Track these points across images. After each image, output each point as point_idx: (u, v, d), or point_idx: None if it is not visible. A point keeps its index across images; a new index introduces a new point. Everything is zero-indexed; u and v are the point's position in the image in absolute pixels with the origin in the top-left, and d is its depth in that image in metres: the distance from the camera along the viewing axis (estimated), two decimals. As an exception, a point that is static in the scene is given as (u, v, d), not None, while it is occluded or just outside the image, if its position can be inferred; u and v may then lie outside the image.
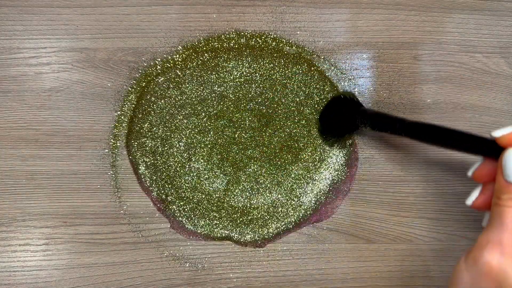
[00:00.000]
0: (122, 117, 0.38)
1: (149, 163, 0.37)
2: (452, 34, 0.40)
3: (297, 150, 0.38)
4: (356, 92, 0.39)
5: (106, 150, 0.37)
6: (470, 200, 0.27)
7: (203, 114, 0.38)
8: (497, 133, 0.25)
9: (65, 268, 0.36)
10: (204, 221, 0.38)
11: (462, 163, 0.39)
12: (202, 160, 0.38)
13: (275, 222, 0.38)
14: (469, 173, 0.28)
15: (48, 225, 0.36)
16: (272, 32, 0.39)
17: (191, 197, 0.38)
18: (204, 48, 0.39)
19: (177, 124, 0.38)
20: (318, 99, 0.39)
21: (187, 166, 0.38)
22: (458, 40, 0.40)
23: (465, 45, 0.40)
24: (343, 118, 0.37)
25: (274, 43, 0.39)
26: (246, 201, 0.38)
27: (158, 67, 0.38)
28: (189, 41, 0.39)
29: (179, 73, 0.38)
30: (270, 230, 0.38)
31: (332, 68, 0.39)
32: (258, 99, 0.38)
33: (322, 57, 0.39)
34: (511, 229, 0.23)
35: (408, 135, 0.31)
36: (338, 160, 0.39)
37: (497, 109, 0.40)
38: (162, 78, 0.38)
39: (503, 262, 0.22)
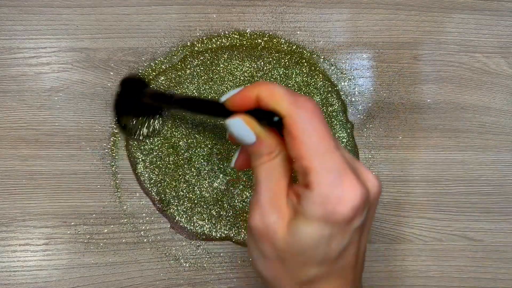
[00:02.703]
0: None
1: (148, 163, 0.37)
2: (452, 34, 0.40)
3: (297, 150, 0.38)
4: (356, 92, 0.39)
5: (106, 150, 0.37)
6: (232, 163, 0.27)
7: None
8: (222, 98, 0.25)
9: (65, 268, 0.36)
10: (204, 221, 0.38)
11: (462, 163, 0.39)
12: (202, 160, 0.38)
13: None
14: (232, 164, 0.27)
15: (48, 225, 0.36)
16: (272, 32, 0.39)
17: (190, 197, 0.38)
18: (204, 48, 0.39)
19: (177, 124, 0.38)
20: (318, 99, 0.39)
21: (187, 166, 0.38)
22: (458, 40, 0.40)
23: (465, 45, 0.40)
24: (130, 101, 0.37)
25: (274, 43, 0.39)
26: (246, 201, 0.38)
27: (158, 66, 0.38)
28: (189, 41, 0.39)
29: (179, 73, 0.38)
30: (270, 230, 0.38)
31: (332, 68, 0.39)
32: (258, 99, 0.38)
33: (322, 57, 0.39)
34: (265, 187, 0.23)
35: (176, 107, 0.35)
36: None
37: (497, 109, 0.40)
38: (162, 78, 0.38)
39: (265, 221, 0.22)
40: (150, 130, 0.37)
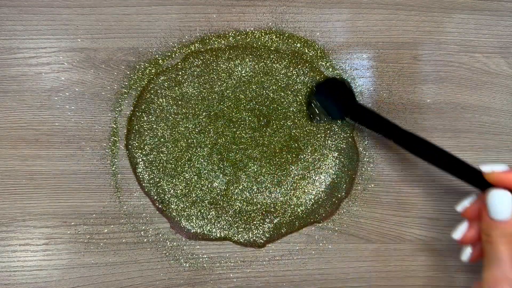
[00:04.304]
0: (122, 117, 0.38)
1: (148, 163, 0.37)
2: (452, 34, 0.40)
3: (297, 150, 0.38)
4: (356, 92, 0.39)
5: (106, 150, 0.37)
6: (457, 235, 0.28)
7: (203, 114, 0.38)
8: (486, 168, 0.25)
9: (65, 268, 0.36)
10: (204, 221, 0.38)
11: (462, 163, 0.39)
12: (202, 160, 0.38)
13: (275, 222, 0.38)
14: (459, 208, 0.28)
15: (48, 225, 0.36)
16: (273, 32, 0.39)
17: (190, 197, 0.38)
18: (204, 48, 0.39)
19: (177, 124, 0.38)
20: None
21: (187, 166, 0.38)
22: (458, 40, 0.40)
23: (465, 45, 0.40)
24: (337, 102, 0.37)
25: (274, 43, 0.39)
26: (245, 201, 0.38)
27: (158, 66, 0.38)
28: (189, 41, 0.39)
29: (179, 73, 0.38)
30: (270, 230, 0.38)
31: (332, 68, 0.39)
32: (258, 99, 0.39)
33: (322, 57, 0.39)
34: (510, 263, 0.23)
35: (400, 143, 0.31)
36: (338, 160, 0.39)
37: (497, 109, 0.40)
38: (163, 78, 0.38)
39: None
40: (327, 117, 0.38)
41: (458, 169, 0.28)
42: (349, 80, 0.39)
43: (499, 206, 0.23)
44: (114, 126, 0.38)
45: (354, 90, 0.39)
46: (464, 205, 0.28)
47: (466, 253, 0.28)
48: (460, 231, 0.28)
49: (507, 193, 0.23)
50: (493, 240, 0.24)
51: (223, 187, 0.38)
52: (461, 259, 0.29)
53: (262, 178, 0.38)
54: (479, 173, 0.25)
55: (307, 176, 0.38)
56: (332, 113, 0.38)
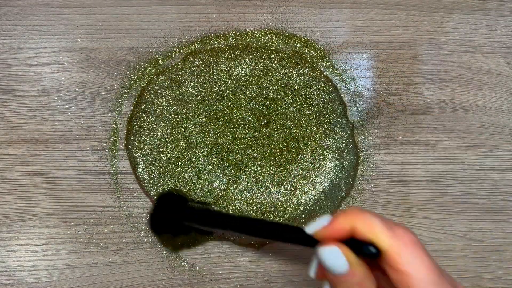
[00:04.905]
0: (122, 117, 0.38)
1: (148, 163, 0.37)
2: (452, 34, 0.40)
3: (297, 150, 0.38)
4: (356, 92, 0.39)
5: (106, 150, 0.37)
6: (311, 273, 0.25)
7: (203, 114, 0.38)
8: (309, 229, 0.24)
9: (65, 268, 0.36)
10: (204, 221, 0.37)
11: (462, 163, 0.39)
12: (202, 160, 0.38)
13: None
14: (311, 274, 0.26)
15: (48, 225, 0.36)
16: (273, 32, 0.39)
17: (190, 197, 0.38)
18: (205, 48, 0.39)
19: (177, 124, 0.38)
20: (318, 99, 0.39)
21: (187, 166, 0.38)
22: (458, 40, 0.40)
23: (465, 45, 0.40)
24: (172, 216, 0.33)
25: (274, 43, 0.39)
26: (245, 201, 0.38)
27: (158, 66, 0.38)
28: (189, 41, 0.39)
29: (180, 73, 0.38)
30: (270, 230, 0.38)
31: (332, 68, 0.39)
32: (258, 99, 0.38)
33: (322, 57, 0.39)
34: None
35: (234, 229, 0.29)
36: (338, 160, 0.39)
37: (497, 109, 0.40)
38: (163, 78, 0.38)
39: None
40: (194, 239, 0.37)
41: (284, 235, 0.26)
42: (349, 90, 0.39)
43: (332, 262, 0.22)
44: (114, 126, 0.38)
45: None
46: (313, 268, 0.25)
47: (311, 268, 0.25)
48: (311, 269, 0.25)
49: (333, 248, 0.22)
50: None
51: (223, 187, 0.38)
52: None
53: (262, 178, 0.38)
54: (304, 232, 0.24)
55: (307, 176, 0.38)
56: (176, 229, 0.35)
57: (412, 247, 0.21)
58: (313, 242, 0.23)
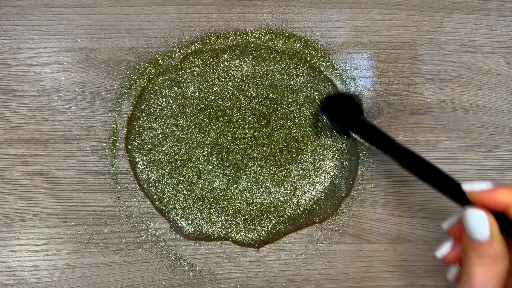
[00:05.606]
0: (122, 117, 0.38)
1: (148, 163, 0.37)
2: (452, 34, 0.40)
3: (297, 150, 0.38)
4: (356, 92, 0.39)
5: (106, 150, 0.37)
6: (440, 253, 0.27)
7: (203, 114, 0.38)
8: (467, 187, 0.24)
9: (65, 268, 0.36)
10: (203, 221, 0.38)
11: (462, 163, 0.39)
12: (202, 160, 0.38)
13: (275, 222, 0.38)
14: (444, 226, 0.27)
15: (48, 225, 0.36)
16: (273, 32, 0.39)
17: (190, 197, 0.38)
18: (205, 48, 0.39)
19: (177, 124, 0.38)
20: (318, 99, 0.39)
21: (187, 166, 0.38)
22: (458, 40, 0.40)
23: (465, 45, 0.40)
24: (343, 118, 0.37)
25: (274, 43, 0.39)
26: (245, 201, 0.38)
27: (158, 66, 0.38)
28: (189, 41, 0.39)
29: (179, 73, 0.38)
30: (270, 230, 0.38)
31: (332, 68, 0.39)
32: (258, 99, 0.39)
33: (322, 57, 0.39)
34: (480, 286, 0.22)
35: (394, 157, 0.31)
36: (338, 160, 0.39)
37: (497, 109, 0.40)
38: (162, 78, 0.38)
39: None
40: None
41: (437, 181, 0.27)
42: (358, 95, 0.39)
43: (475, 226, 0.22)
44: (114, 126, 0.38)
45: (362, 101, 0.39)
46: (449, 222, 0.27)
47: (451, 272, 0.27)
48: (442, 250, 0.26)
49: (482, 214, 0.22)
50: (469, 261, 0.23)
51: (223, 187, 0.38)
52: (447, 278, 0.28)
53: (262, 178, 0.38)
54: (460, 189, 0.24)
55: (307, 176, 0.38)
56: (337, 129, 0.38)
57: None
58: (463, 200, 0.23)
